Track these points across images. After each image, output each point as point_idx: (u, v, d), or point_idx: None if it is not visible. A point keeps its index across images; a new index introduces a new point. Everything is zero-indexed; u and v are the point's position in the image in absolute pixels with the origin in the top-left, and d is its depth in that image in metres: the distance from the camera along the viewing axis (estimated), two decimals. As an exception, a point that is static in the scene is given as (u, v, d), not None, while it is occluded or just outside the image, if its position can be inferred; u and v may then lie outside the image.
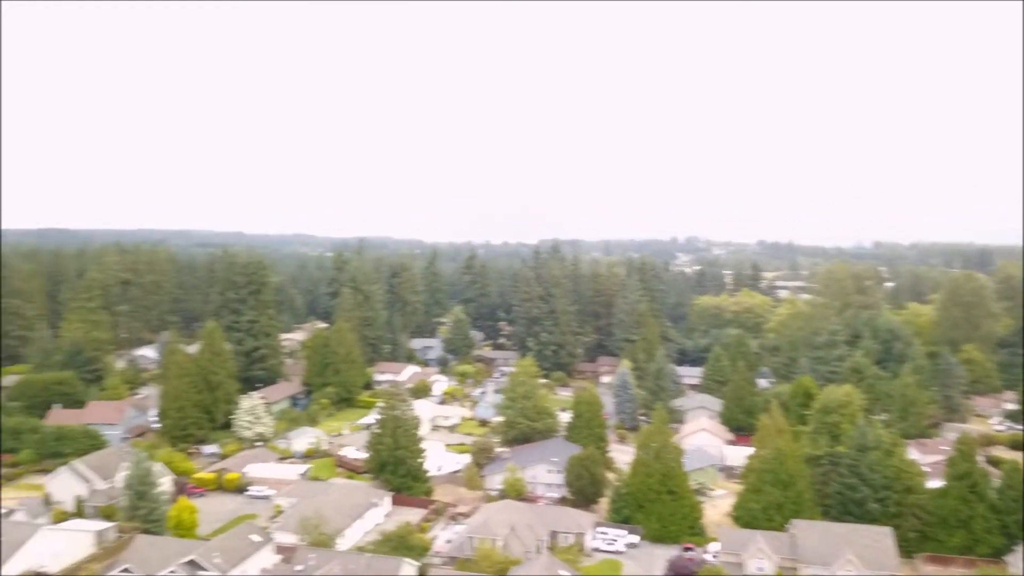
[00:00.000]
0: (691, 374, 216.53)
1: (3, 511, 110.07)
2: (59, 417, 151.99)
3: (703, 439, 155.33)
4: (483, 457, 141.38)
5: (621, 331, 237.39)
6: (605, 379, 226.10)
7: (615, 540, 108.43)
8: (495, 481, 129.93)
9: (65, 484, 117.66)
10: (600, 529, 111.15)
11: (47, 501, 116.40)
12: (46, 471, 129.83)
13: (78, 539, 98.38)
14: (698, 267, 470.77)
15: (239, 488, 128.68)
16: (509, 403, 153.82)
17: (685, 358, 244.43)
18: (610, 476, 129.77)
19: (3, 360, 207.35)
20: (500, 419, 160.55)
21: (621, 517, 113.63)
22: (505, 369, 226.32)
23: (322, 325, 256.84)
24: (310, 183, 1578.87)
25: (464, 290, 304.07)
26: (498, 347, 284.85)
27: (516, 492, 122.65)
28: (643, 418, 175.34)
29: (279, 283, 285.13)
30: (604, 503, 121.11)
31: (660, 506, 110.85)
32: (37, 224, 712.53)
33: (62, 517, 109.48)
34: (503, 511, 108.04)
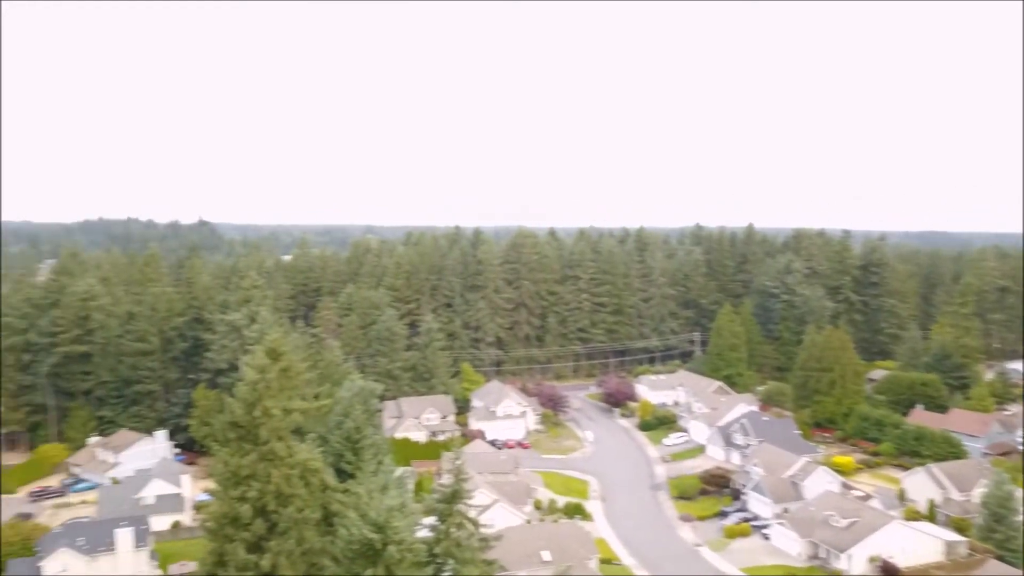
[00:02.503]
0: None
1: (860, 494, 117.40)
2: (920, 417, 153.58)
3: None
4: None
5: None
6: None
7: None
8: None
9: (920, 485, 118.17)
10: None
11: (900, 496, 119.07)
12: (903, 467, 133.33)
13: (927, 542, 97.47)
14: None
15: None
16: None
17: None
18: None
19: (874, 355, 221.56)
20: None
21: None
22: None
23: None
24: None
25: None
26: None
27: None
28: None
29: None
30: None
31: None
32: (918, 227, 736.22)
33: (913, 516, 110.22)
34: None
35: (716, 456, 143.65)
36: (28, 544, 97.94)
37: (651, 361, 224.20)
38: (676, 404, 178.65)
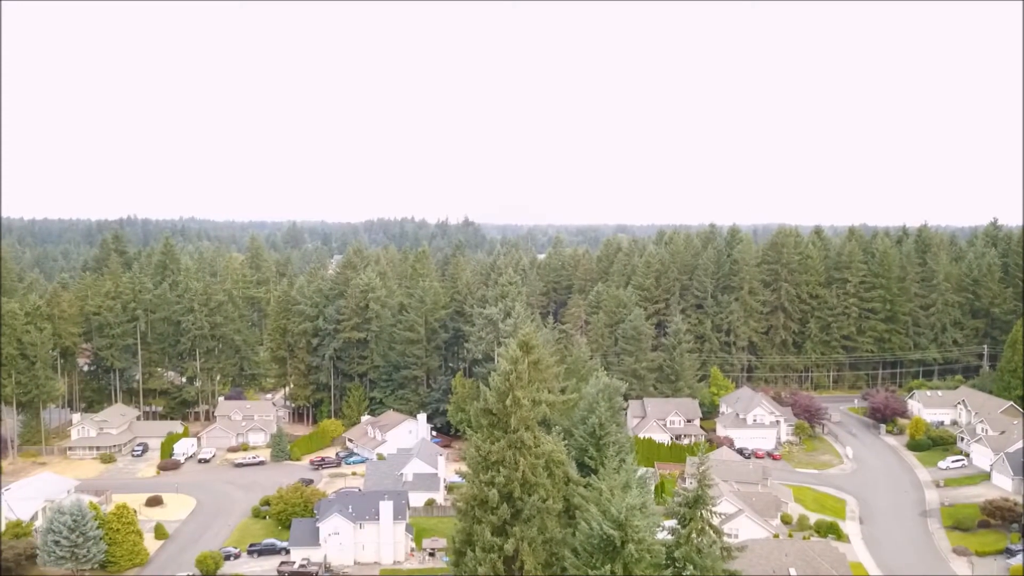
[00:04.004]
0: None
1: None
2: None
3: None
4: None
5: None
6: None
7: None
8: None
9: None
10: None
11: None
12: None
13: None
14: None
15: None
16: None
17: None
18: None
19: None
20: None
21: None
22: None
23: None
24: None
25: None
26: None
27: None
28: None
29: None
30: None
31: None
32: None
33: None
34: None
35: (1003, 486, 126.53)
36: (308, 506, 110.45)
37: (927, 375, 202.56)
38: (955, 424, 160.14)
